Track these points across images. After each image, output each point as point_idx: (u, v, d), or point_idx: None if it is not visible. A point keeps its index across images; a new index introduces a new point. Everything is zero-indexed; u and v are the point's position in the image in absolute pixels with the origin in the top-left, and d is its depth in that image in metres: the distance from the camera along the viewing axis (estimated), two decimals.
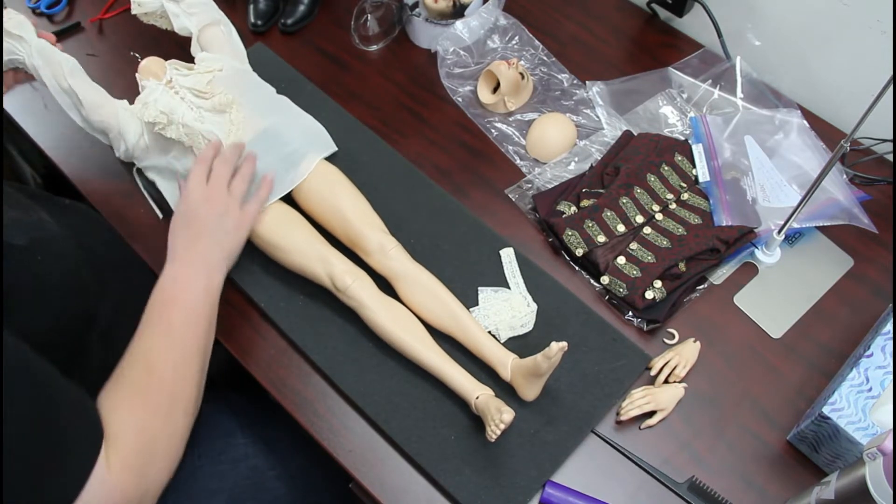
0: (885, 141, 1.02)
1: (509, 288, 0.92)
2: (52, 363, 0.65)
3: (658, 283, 0.91)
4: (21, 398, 0.59)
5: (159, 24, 1.07)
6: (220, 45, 1.02)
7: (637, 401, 0.85)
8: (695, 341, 0.90)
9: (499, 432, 0.76)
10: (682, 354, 0.88)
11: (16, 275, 0.68)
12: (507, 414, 0.76)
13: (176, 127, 0.92)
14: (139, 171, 1.01)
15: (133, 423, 0.68)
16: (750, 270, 0.97)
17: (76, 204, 0.94)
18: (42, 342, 0.65)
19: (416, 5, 1.15)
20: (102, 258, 0.88)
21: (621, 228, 0.95)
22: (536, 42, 1.16)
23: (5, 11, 0.88)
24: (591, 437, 0.84)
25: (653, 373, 0.88)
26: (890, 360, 0.80)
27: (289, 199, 0.95)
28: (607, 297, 0.94)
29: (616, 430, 0.85)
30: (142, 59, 0.99)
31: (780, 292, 0.95)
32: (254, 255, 0.94)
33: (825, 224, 0.97)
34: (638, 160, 1.00)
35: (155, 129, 0.92)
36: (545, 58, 1.15)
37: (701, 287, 0.95)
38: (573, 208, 0.98)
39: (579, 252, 0.94)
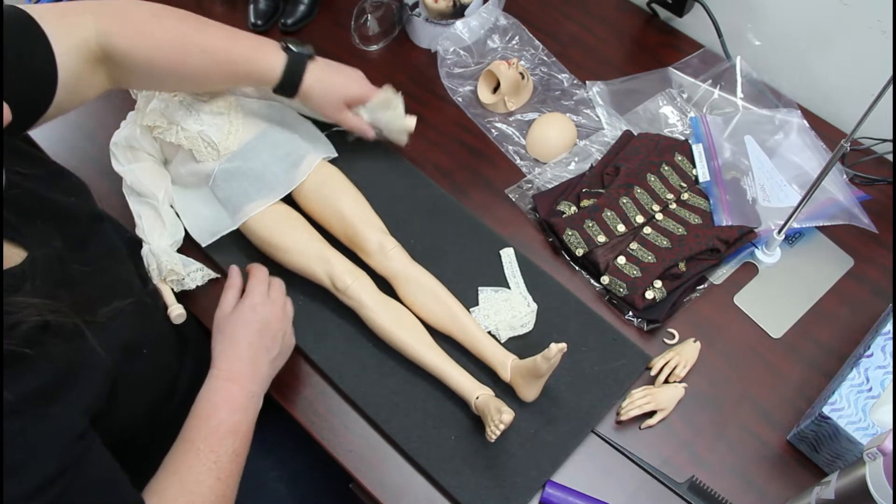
0: (885, 141, 1.02)
1: (509, 288, 0.92)
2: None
3: (658, 283, 0.91)
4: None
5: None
6: None
7: (637, 401, 0.85)
8: (695, 341, 0.90)
9: (499, 432, 0.76)
10: (682, 354, 0.88)
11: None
12: (507, 414, 0.76)
13: (175, 130, 0.92)
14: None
15: None
16: (750, 270, 0.97)
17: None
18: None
19: (416, 5, 1.15)
20: None
21: (621, 228, 0.95)
22: (536, 42, 1.16)
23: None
24: (591, 437, 0.84)
25: (653, 373, 0.88)
26: (890, 360, 0.80)
27: (289, 200, 0.95)
28: (607, 297, 0.94)
29: (616, 430, 0.85)
30: None
31: (780, 292, 0.95)
32: (254, 256, 0.94)
33: (825, 224, 0.97)
34: (638, 160, 1.00)
35: (154, 133, 0.92)
36: (545, 58, 1.15)
37: (701, 287, 0.95)
38: (573, 208, 0.98)
39: (579, 252, 0.94)
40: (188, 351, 0.85)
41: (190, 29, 0.84)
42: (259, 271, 0.84)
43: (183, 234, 0.94)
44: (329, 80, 0.92)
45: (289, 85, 0.89)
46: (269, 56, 0.88)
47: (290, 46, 0.90)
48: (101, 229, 0.79)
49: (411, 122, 1.00)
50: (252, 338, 0.78)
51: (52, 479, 0.58)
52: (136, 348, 0.72)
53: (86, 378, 0.64)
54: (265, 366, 0.79)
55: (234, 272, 0.85)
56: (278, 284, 0.84)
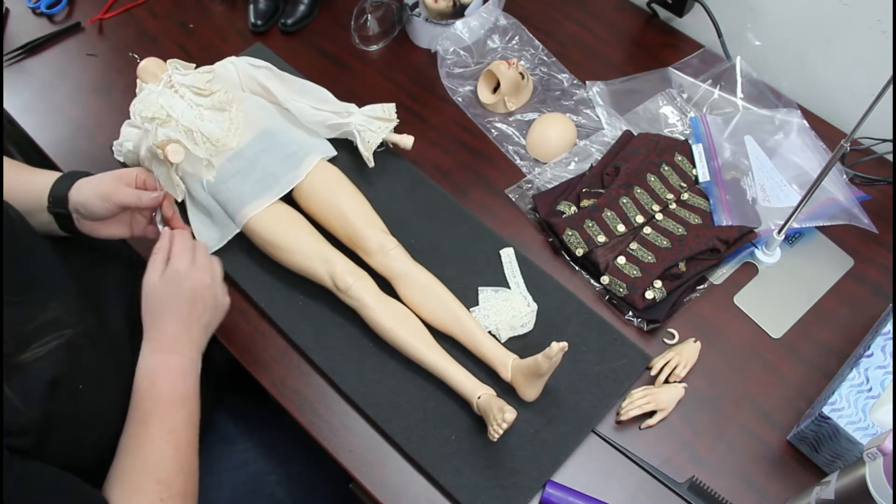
0: (885, 141, 1.02)
1: (509, 288, 0.92)
2: None
3: (658, 283, 0.91)
4: None
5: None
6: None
7: (637, 401, 0.85)
8: (695, 341, 0.90)
9: (501, 432, 0.76)
10: (682, 354, 0.88)
11: None
12: (510, 413, 0.76)
13: (175, 124, 0.92)
14: None
15: None
16: (750, 270, 0.97)
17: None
18: None
19: (416, 5, 1.15)
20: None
21: (621, 228, 0.95)
22: (536, 42, 1.16)
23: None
24: (591, 437, 0.84)
25: (653, 373, 0.88)
26: (890, 360, 0.80)
27: (289, 200, 0.95)
28: (607, 297, 0.94)
29: (616, 430, 0.85)
30: (141, 59, 0.99)
31: (780, 292, 0.95)
32: (254, 255, 0.94)
33: (825, 224, 0.97)
34: (638, 160, 1.00)
35: (153, 124, 0.91)
36: (545, 58, 1.15)
37: (701, 287, 0.95)
38: (573, 208, 0.98)
39: (579, 252, 0.94)
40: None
41: None
42: (182, 236, 0.82)
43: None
44: (97, 175, 0.86)
45: (58, 189, 0.84)
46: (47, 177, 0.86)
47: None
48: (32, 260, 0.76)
49: (408, 140, 1.01)
50: (181, 308, 0.77)
51: None
52: (68, 385, 0.69)
53: None
54: (198, 332, 0.78)
55: (165, 234, 0.83)
56: (203, 248, 0.83)
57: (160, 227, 0.87)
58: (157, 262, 0.79)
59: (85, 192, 0.83)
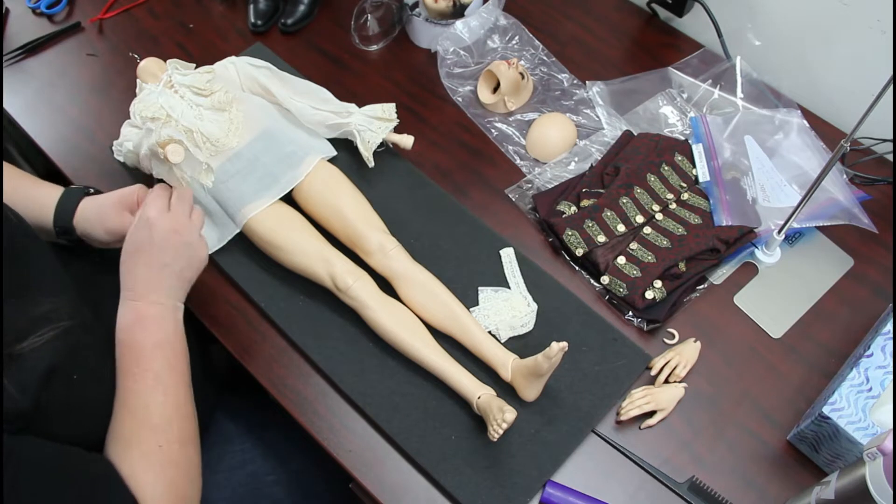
0: (885, 141, 1.02)
1: (509, 288, 0.92)
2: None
3: (658, 283, 0.91)
4: (58, 490, 0.60)
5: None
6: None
7: (637, 401, 0.85)
8: (695, 341, 0.90)
9: (501, 432, 0.76)
10: (682, 354, 0.88)
11: None
12: (510, 413, 0.76)
13: (174, 124, 0.92)
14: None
15: (160, 484, 0.68)
16: (750, 270, 0.97)
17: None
18: None
19: (416, 5, 1.15)
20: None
21: (621, 228, 0.95)
22: (536, 42, 1.16)
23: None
24: (591, 437, 0.84)
25: (653, 373, 0.88)
26: (890, 360, 0.80)
27: (289, 200, 0.95)
28: (607, 297, 0.94)
29: (616, 430, 0.85)
30: (141, 59, 0.99)
31: (780, 292, 0.95)
32: (254, 255, 0.94)
33: (825, 224, 0.97)
34: (638, 160, 1.00)
35: (153, 124, 0.92)
36: (545, 58, 1.15)
37: (701, 287, 0.95)
38: (573, 208, 0.98)
39: (579, 252, 0.94)
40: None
41: None
42: (161, 186, 0.83)
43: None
44: (99, 199, 0.87)
45: (62, 217, 0.85)
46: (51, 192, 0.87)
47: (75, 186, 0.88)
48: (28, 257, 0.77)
49: (408, 140, 1.01)
50: (151, 255, 0.77)
51: None
52: (64, 374, 0.70)
53: None
54: (171, 279, 0.78)
55: (140, 190, 0.84)
56: (180, 196, 0.83)
57: None
58: (160, 203, 0.80)
59: (91, 224, 0.84)
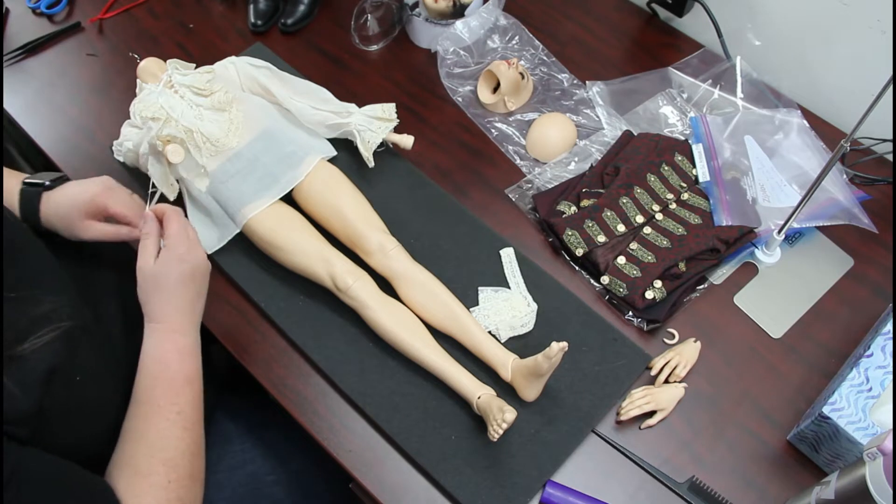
0: (885, 141, 1.02)
1: (509, 288, 0.92)
2: None
3: (658, 283, 0.91)
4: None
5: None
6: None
7: (637, 401, 0.85)
8: (695, 341, 0.90)
9: (501, 432, 0.76)
10: (682, 354, 0.88)
11: None
12: (510, 413, 0.76)
13: (175, 124, 0.92)
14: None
15: None
16: (750, 270, 0.97)
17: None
18: None
19: (416, 5, 1.15)
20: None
21: (621, 228, 0.95)
22: (536, 42, 1.16)
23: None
24: (591, 437, 0.84)
25: (653, 373, 0.88)
26: (890, 360, 0.80)
27: (289, 200, 0.95)
28: (607, 297, 0.94)
29: (616, 430, 0.85)
30: (141, 59, 0.99)
31: (780, 292, 0.95)
32: (254, 255, 0.94)
33: (825, 224, 0.97)
34: (638, 160, 1.00)
35: (153, 124, 0.92)
36: (545, 58, 1.15)
37: (701, 287, 0.95)
38: (573, 208, 0.98)
39: (579, 252, 0.94)
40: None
41: None
42: (177, 217, 0.81)
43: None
44: (63, 203, 0.84)
45: (28, 218, 0.84)
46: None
47: (29, 180, 0.85)
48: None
49: (408, 140, 1.01)
50: (188, 288, 0.77)
51: None
52: (64, 375, 0.69)
53: None
54: (200, 309, 0.79)
55: (150, 218, 0.82)
56: (192, 228, 0.82)
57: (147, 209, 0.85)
58: (147, 247, 0.79)
59: (56, 227, 0.83)
